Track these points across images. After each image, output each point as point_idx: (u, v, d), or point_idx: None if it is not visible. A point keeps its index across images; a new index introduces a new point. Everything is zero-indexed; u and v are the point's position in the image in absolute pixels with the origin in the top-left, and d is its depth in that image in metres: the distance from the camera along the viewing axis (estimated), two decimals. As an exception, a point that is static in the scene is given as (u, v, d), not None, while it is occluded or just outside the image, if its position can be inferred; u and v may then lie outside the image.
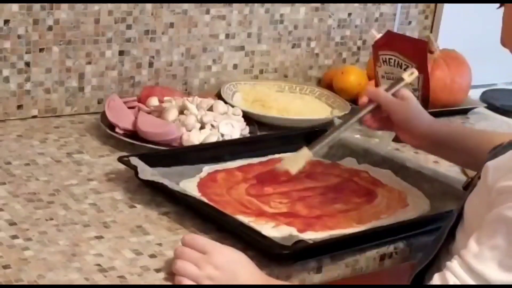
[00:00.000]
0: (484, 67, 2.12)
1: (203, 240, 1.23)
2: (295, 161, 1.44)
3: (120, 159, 1.49)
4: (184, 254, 1.19)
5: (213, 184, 1.50)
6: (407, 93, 1.51)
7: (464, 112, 2.09)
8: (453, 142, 1.48)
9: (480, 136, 1.49)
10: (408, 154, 1.74)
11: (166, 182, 1.41)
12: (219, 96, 1.88)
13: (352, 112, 1.82)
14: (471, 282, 1.10)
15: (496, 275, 1.08)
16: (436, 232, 1.32)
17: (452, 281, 1.11)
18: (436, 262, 1.25)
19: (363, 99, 1.50)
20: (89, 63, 1.80)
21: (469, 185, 1.26)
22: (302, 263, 1.28)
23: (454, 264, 1.12)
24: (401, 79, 1.53)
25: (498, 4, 1.21)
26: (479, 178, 1.20)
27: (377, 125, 1.52)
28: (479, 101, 2.17)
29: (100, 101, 1.83)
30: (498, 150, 1.20)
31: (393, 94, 1.50)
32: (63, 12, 1.74)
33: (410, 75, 1.54)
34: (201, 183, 1.49)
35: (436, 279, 1.14)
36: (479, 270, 1.09)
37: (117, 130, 1.68)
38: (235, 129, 1.71)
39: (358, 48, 2.18)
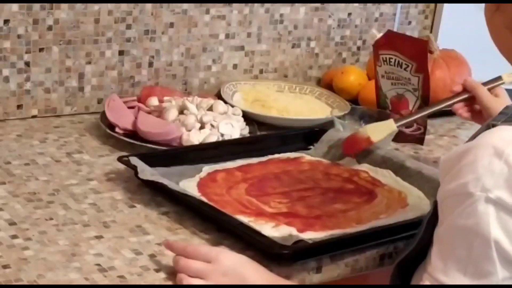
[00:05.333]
0: (484, 67, 2.12)
1: (204, 249, 1.21)
2: (378, 129, 1.46)
3: (120, 159, 1.49)
4: (189, 268, 1.18)
5: (213, 184, 1.50)
6: (502, 91, 1.52)
7: (464, 112, 2.09)
8: None
9: None
10: (408, 154, 1.74)
11: (166, 182, 1.41)
12: (219, 96, 1.88)
13: (352, 112, 1.83)
14: None
15: (470, 283, 1.06)
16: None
17: None
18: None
19: (457, 87, 1.50)
20: (89, 63, 1.80)
21: None
22: (302, 263, 1.28)
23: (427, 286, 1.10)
24: (499, 78, 1.55)
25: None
26: None
27: (467, 115, 1.53)
28: (479, 101, 2.17)
29: (100, 101, 1.83)
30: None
31: (488, 90, 1.51)
32: (63, 12, 1.74)
33: (509, 76, 1.55)
34: (201, 183, 1.49)
35: None
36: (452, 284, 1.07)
37: (117, 130, 1.68)
38: (235, 129, 1.71)
39: (358, 48, 2.18)
